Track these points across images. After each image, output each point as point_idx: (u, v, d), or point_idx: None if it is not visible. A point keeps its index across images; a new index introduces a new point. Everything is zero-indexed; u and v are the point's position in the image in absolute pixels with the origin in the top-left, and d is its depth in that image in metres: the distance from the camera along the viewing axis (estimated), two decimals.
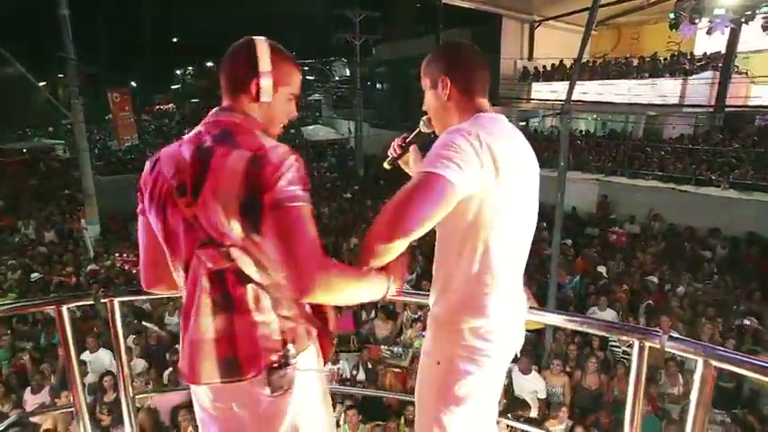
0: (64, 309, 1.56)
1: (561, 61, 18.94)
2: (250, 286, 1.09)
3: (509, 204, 1.17)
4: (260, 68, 1.14)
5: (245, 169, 1.03)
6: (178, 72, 48.39)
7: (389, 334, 6.84)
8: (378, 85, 25.91)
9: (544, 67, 19.60)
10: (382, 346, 6.44)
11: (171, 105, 39.58)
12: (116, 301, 1.59)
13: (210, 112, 1.18)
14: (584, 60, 18.78)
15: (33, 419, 3.25)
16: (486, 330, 1.22)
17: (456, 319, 1.23)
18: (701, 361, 1.14)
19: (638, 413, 1.32)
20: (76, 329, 6.22)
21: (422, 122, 1.39)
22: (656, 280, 7.78)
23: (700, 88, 14.60)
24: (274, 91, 1.17)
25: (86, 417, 1.64)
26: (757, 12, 12.61)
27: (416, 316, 6.73)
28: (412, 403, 5.32)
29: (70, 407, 1.63)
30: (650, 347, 1.23)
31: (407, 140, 1.46)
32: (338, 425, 4.96)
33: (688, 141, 13.94)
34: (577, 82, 14.71)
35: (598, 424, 4.86)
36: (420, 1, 22.60)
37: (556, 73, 18.78)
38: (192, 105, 38.78)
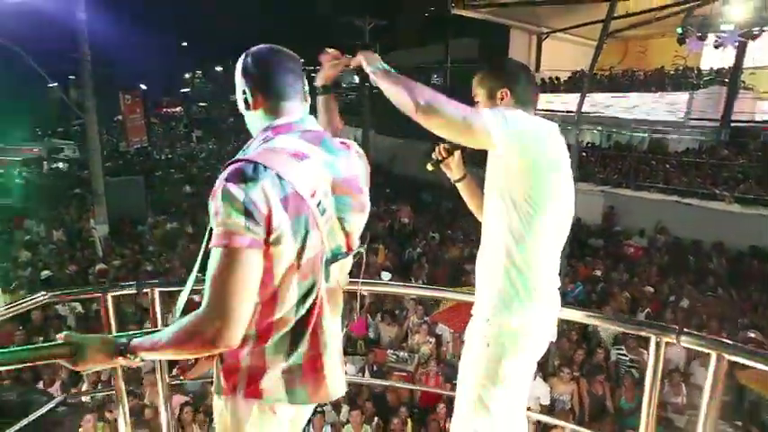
0: (109, 297, 1.65)
1: (575, 72, 19.09)
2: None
3: (555, 199, 1.30)
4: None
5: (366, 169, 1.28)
6: (187, 75, 48.90)
7: (394, 338, 6.91)
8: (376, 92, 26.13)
9: (551, 78, 19.74)
10: (388, 351, 6.50)
11: (179, 108, 39.98)
12: (156, 290, 1.69)
13: (294, 122, 1.15)
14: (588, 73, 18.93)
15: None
16: (534, 316, 1.34)
17: (510, 305, 1.34)
18: (714, 355, 1.23)
19: (654, 408, 1.40)
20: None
21: None
22: (652, 290, 7.83)
23: (706, 102, 14.72)
24: None
25: (126, 401, 1.73)
26: (764, 29, 12.78)
27: (423, 321, 6.79)
28: (414, 405, 5.41)
29: (112, 390, 1.72)
30: (667, 342, 1.31)
31: (453, 145, 1.53)
32: (342, 425, 5.03)
33: (693, 155, 14.03)
34: (589, 94, 14.87)
35: None
36: (428, 10, 22.84)
37: (563, 84, 18.90)
38: (200, 109, 39.19)
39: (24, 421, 1.53)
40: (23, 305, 1.53)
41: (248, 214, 0.95)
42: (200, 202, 14.62)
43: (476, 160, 1.58)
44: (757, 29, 12.60)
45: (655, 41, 18.48)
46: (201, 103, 41.67)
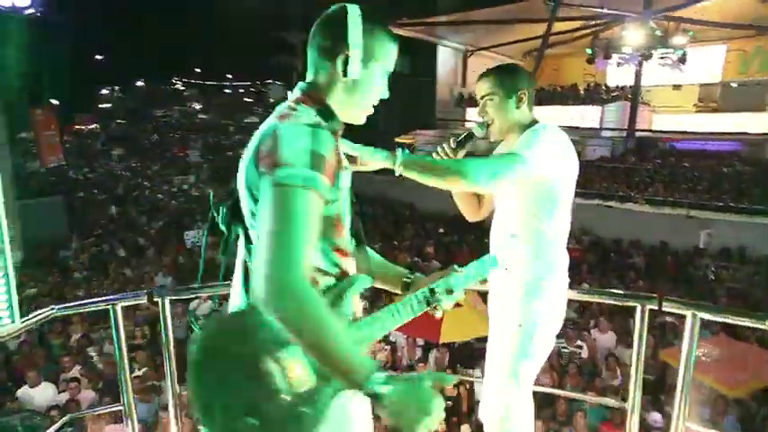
0: (119, 307, 1.62)
1: None
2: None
3: (569, 186, 1.49)
4: (349, 41, 1.02)
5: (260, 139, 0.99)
6: (105, 91, 45.85)
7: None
8: None
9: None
10: None
11: (95, 125, 37.35)
12: (167, 299, 1.68)
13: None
14: None
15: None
16: (560, 293, 1.51)
17: (540, 286, 1.49)
18: (689, 314, 1.48)
19: (641, 372, 1.62)
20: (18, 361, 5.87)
21: (477, 128, 1.59)
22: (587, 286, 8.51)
23: (614, 115, 16.32)
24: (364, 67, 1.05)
25: (135, 416, 1.69)
26: (654, 51, 14.52)
27: None
28: None
29: (119, 406, 1.67)
30: (650, 309, 1.54)
31: (458, 144, 1.59)
32: None
33: (608, 162, 15.47)
34: None
35: (555, 416, 5.24)
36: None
37: None
38: (119, 126, 36.86)
39: None
40: (33, 320, 1.47)
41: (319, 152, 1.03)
42: (128, 222, 13.79)
43: None
44: (648, 51, 14.31)
45: (567, 60, 20.15)
46: (120, 120, 39.21)
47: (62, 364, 5.67)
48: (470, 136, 1.58)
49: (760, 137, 15.57)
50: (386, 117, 19.97)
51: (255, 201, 0.96)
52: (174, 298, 1.69)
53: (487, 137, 1.60)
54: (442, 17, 17.96)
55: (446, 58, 21.44)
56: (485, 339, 1.65)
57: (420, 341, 6.51)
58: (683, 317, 1.50)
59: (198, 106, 53.24)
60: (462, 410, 5.25)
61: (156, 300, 1.65)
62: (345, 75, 1.04)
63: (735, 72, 17.40)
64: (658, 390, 5.54)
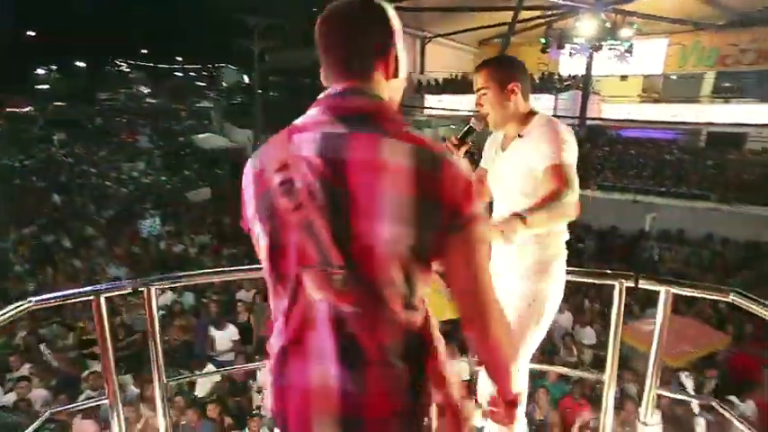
0: (102, 299, 1.56)
1: (455, 75, 20.52)
2: (386, 326, 0.84)
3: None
4: (395, 36, 0.92)
5: (415, 167, 0.80)
6: (41, 71, 42.60)
7: None
8: (272, 94, 25.52)
9: (436, 80, 21.01)
10: None
11: (30, 108, 34.77)
12: (153, 288, 1.63)
13: (326, 95, 0.91)
14: (471, 76, 20.56)
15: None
16: (564, 270, 1.61)
17: (551, 264, 1.58)
18: (663, 289, 1.59)
19: (617, 346, 1.73)
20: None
21: (474, 121, 1.60)
22: None
23: (567, 103, 16.91)
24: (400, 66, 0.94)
25: (120, 409, 1.64)
26: (603, 43, 15.15)
27: None
28: None
29: (105, 399, 1.62)
30: (627, 287, 1.65)
31: (460, 139, 1.59)
32: None
33: None
34: (466, 95, 16.02)
35: None
36: (319, 12, 22.80)
37: (447, 86, 20.22)
38: (57, 109, 34.46)
39: None
40: (8, 314, 1.39)
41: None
42: (74, 211, 13.03)
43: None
44: (597, 42, 14.91)
45: (522, 48, 20.65)
46: (58, 103, 36.65)
47: (9, 363, 5.35)
48: (471, 131, 1.59)
49: (696, 126, 16.66)
50: None
51: (421, 234, 0.82)
52: (159, 286, 1.64)
53: (486, 127, 1.63)
54: (398, 2, 17.89)
55: (404, 44, 21.38)
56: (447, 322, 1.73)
57: None
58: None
59: (146, 90, 50.70)
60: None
61: (141, 289, 1.60)
62: (396, 75, 0.94)
63: (675, 65, 18.41)
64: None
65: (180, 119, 33.69)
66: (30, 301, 1.46)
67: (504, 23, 16.78)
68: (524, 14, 16.59)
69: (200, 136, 22.87)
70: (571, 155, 1.51)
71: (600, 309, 7.05)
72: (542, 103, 17.18)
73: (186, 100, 41.42)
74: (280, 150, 0.86)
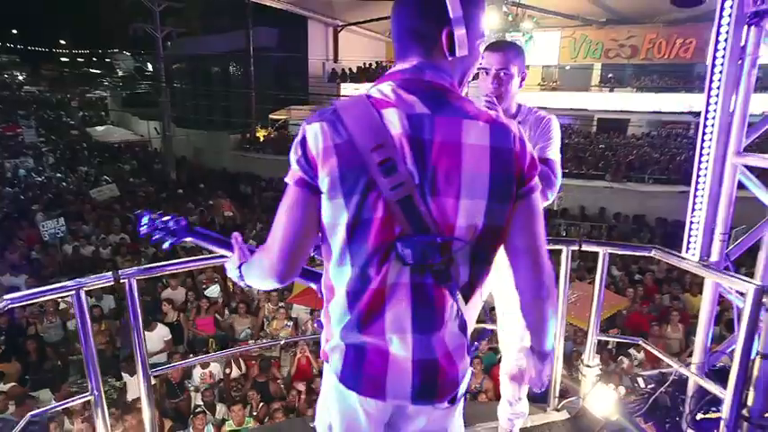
0: (82, 293, 1.52)
1: (365, 64, 20.67)
2: (455, 290, 0.94)
3: None
4: (451, 14, 0.91)
5: (494, 145, 0.90)
6: None
7: (251, 329, 6.83)
8: (176, 83, 24.00)
9: (350, 69, 21.06)
10: (249, 341, 6.41)
11: None
12: (133, 279, 1.61)
13: (401, 69, 0.95)
14: (384, 64, 20.90)
15: None
16: None
17: None
18: (601, 250, 1.89)
19: (564, 306, 2.00)
20: None
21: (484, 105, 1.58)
22: None
23: (474, 91, 17.85)
24: (470, 44, 0.94)
25: (104, 403, 1.60)
26: (506, 34, 16.21)
27: (279, 306, 6.87)
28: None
29: (88, 395, 1.58)
30: (572, 251, 1.92)
31: None
32: (223, 421, 4.90)
33: None
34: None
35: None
36: None
37: (362, 75, 20.36)
38: None
39: None
40: None
41: (300, 153, 0.92)
42: None
43: None
44: (500, 35, 15.96)
45: None
46: None
47: None
48: None
49: (588, 113, 18.46)
50: (259, 93, 19.20)
51: (498, 204, 0.92)
52: (141, 277, 1.62)
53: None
54: None
55: (317, 32, 21.18)
56: None
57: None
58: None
59: (21, 76, 44.91)
60: None
61: (122, 281, 1.57)
62: (453, 52, 0.94)
63: (567, 57, 20.13)
64: None
65: (70, 110, 30.35)
66: (5, 301, 1.38)
67: None
68: None
69: (98, 129, 20.93)
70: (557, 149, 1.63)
71: None
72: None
73: (73, 89, 37.33)
74: (372, 127, 0.88)
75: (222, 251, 1.23)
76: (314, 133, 0.91)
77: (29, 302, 1.44)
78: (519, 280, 1.01)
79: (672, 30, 17.46)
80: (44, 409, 1.83)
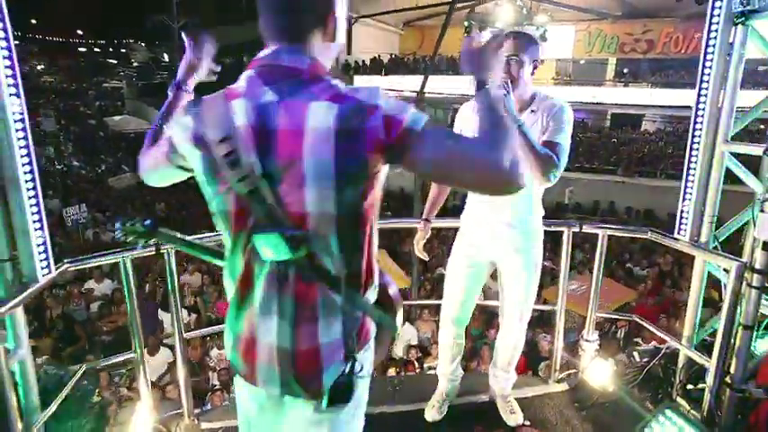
0: (128, 260, 1.70)
1: (378, 56, 20.74)
2: (316, 282, 0.91)
3: None
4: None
5: (340, 127, 0.82)
6: None
7: None
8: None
9: (363, 61, 21.15)
10: None
11: None
12: (172, 250, 1.79)
13: (261, 56, 0.92)
14: (398, 57, 20.98)
15: None
16: None
17: (540, 231, 1.85)
18: (600, 232, 2.03)
19: (566, 282, 2.14)
20: None
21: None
22: None
23: None
24: (333, 26, 0.93)
25: (145, 361, 1.79)
26: (520, 28, 16.15)
27: None
28: None
29: (131, 353, 1.76)
30: (573, 232, 2.06)
31: None
32: None
33: None
34: (394, 76, 16.47)
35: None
36: None
37: (375, 67, 20.45)
38: None
39: (62, 395, 1.49)
40: (51, 276, 1.49)
41: (171, 147, 0.99)
42: None
43: None
44: (516, 27, 15.87)
45: (447, 32, 21.34)
46: None
47: None
48: None
49: (602, 108, 18.37)
50: None
51: (348, 188, 0.86)
52: (177, 248, 1.79)
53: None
54: None
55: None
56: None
57: None
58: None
59: (41, 66, 45.67)
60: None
61: (162, 251, 1.75)
62: (334, 38, 0.94)
63: (582, 51, 20.00)
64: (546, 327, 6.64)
65: (86, 99, 30.90)
66: (65, 264, 1.57)
67: (427, 6, 17.26)
68: None
69: (114, 118, 21.29)
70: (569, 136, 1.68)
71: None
72: (465, 84, 17.95)
73: (90, 78, 37.87)
74: (220, 118, 0.87)
75: (185, 249, 1.28)
76: (179, 128, 0.94)
77: (81, 266, 1.62)
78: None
79: (689, 24, 17.24)
80: (98, 362, 2.02)
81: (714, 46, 1.69)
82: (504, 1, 16.13)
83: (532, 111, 1.70)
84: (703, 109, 1.75)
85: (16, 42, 1.49)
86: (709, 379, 1.70)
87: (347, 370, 0.95)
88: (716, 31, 1.67)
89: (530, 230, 1.79)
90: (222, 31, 23.41)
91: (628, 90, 18.68)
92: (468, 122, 1.81)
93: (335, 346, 0.94)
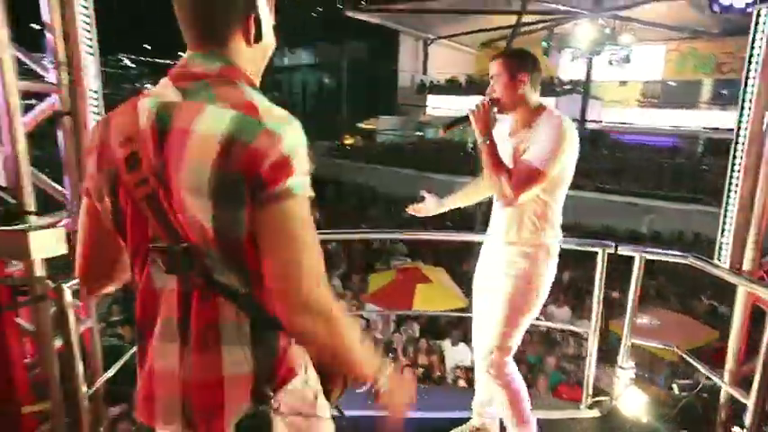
0: None
1: (455, 76, 20.93)
2: (221, 302, 0.81)
3: (569, 173, 1.70)
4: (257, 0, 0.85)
5: (227, 134, 0.75)
6: None
7: None
8: (275, 93, 25.87)
9: (438, 81, 21.39)
10: None
11: None
12: None
13: (178, 64, 0.87)
14: (473, 77, 21.00)
15: None
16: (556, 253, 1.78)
17: (555, 246, 1.75)
18: (637, 255, 1.96)
19: (600, 303, 2.09)
20: None
21: (469, 110, 1.72)
22: None
23: (567, 107, 17.35)
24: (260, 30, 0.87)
25: None
26: (602, 48, 15.55)
27: (351, 302, 7.26)
28: None
29: None
30: (609, 253, 2.01)
31: (448, 125, 1.82)
32: None
33: None
34: (468, 96, 16.38)
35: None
36: (320, 11, 23.18)
37: (450, 87, 20.62)
38: None
39: (118, 364, 1.73)
40: None
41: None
42: None
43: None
44: (597, 48, 15.31)
45: None
46: None
47: None
48: (463, 119, 1.76)
49: (694, 132, 17.08)
50: (349, 102, 20.21)
51: (224, 208, 0.76)
52: None
53: (500, 112, 1.73)
54: (400, 4, 18.24)
55: (408, 45, 21.82)
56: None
57: (393, 317, 6.93)
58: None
59: (148, 84, 50.25)
60: (434, 375, 5.74)
61: None
62: (259, 40, 0.87)
63: (673, 71, 18.80)
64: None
65: None
66: None
67: (505, 27, 17.18)
68: (526, 18, 16.99)
69: None
70: (557, 165, 1.62)
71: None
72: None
73: None
74: (125, 122, 0.82)
75: None
76: (89, 142, 0.89)
77: None
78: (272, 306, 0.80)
79: None
80: None
81: (757, 63, 1.61)
82: (585, 21, 15.67)
83: (530, 126, 1.70)
84: (745, 129, 1.67)
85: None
86: (748, 418, 1.58)
87: (257, 410, 0.82)
88: (759, 47, 1.59)
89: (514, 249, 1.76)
90: (299, 52, 24.83)
91: (725, 113, 17.24)
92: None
93: (242, 380, 0.82)
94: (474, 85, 19.92)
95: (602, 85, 19.29)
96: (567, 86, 18.16)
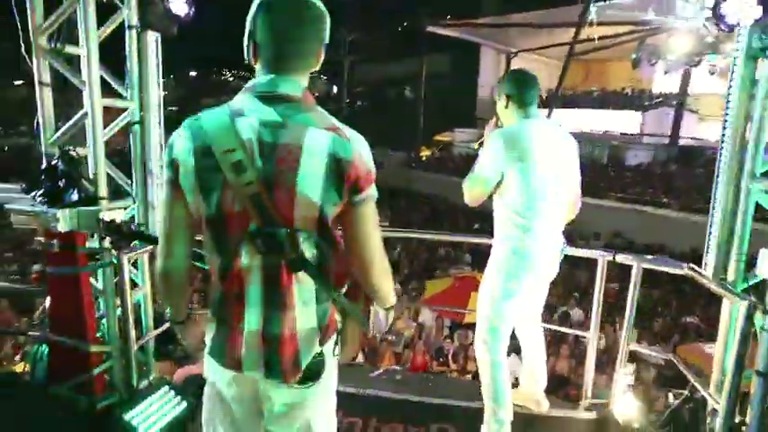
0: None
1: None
2: (301, 275, 1.07)
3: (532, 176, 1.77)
4: (326, 35, 1.09)
5: (332, 152, 1.02)
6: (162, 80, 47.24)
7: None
8: (358, 104, 26.82)
9: None
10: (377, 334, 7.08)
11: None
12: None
13: (257, 83, 1.06)
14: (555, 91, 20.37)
15: None
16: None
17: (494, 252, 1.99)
18: (635, 263, 2.01)
19: (599, 308, 2.15)
20: None
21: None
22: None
23: (655, 122, 16.26)
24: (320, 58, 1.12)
25: None
26: (702, 59, 14.39)
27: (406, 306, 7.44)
28: None
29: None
30: (608, 261, 2.07)
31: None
32: None
33: (647, 168, 15.48)
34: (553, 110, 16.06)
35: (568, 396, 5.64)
36: (403, 26, 23.82)
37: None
38: (166, 112, 37.92)
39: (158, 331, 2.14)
40: None
41: (167, 156, 1.07)
42: None
43: None
44: (697, 58, 14.19)
45: (613, 64, 20.02)
46: (171, 107, 40.59)
47: None
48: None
49: None
50: (427, 114, 20.52)
51: (329, 203, 1.05)
52: None
53: None
54: (484, 19, 18.24)
55: (489, 59, 21.68)
56: None
57: (447, 322, 7.01)
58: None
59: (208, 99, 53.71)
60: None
61: None
62: (308, 68, 1.10)
63: None
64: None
65: None
66: None
67: (590, 39, 16.57)
68: (614, 29, 16.25)
69: None
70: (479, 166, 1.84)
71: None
72: (629, 120, 16.66)
73: None
74: (224, 133, 1.01)
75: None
76: (175, 138, 1.07)
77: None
78: (356, 271, 1.14)
79: None
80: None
81: (734, 80, 1.62)
82: (683, 30, 14.66)
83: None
84: (729, 143, 1.68)
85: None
86: (717, 423, 1.57)
87: (318, 353, 1.11)
88: (737, 65, 1.61)
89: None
90: (384, 66, 25.57)
91: None
92: None
93: (312, 332, 1.11)
94: (555, 98, 19.33)
95: (701, 98, 17.82)
96: (657, 100, 17.04)
